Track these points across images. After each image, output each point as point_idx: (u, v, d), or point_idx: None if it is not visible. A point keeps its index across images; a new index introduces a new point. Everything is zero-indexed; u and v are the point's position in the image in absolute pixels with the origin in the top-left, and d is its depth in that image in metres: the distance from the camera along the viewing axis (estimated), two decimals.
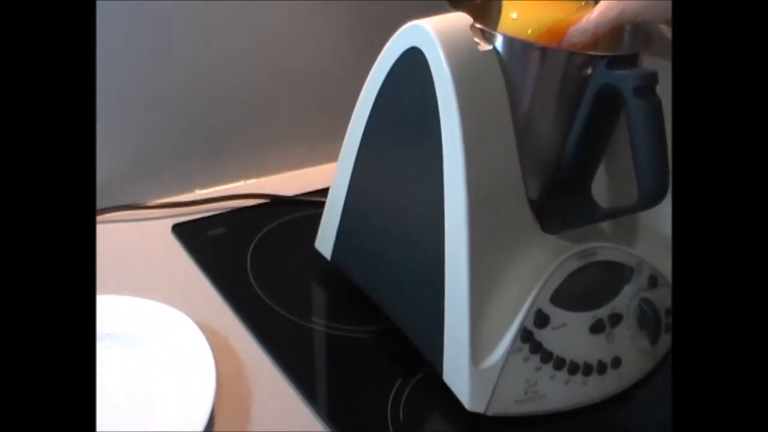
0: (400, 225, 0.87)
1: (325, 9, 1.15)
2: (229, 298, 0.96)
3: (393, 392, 0.86)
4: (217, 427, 0.80)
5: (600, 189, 0.89)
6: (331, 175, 0.94)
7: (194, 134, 1.13)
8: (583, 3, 0.83)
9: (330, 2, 1.15)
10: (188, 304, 0.91)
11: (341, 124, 0.91)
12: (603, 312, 0.85)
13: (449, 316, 0.81)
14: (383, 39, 0.83)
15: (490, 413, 0.81)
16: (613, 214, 0.88)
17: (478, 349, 0.80)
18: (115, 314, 0.88)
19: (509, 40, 0.78)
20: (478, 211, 0.78)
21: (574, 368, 0.83)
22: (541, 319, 0.81)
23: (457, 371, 0.81)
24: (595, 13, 0.79)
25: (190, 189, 1.14)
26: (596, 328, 0.84)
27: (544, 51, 0.80)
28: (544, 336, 0.81)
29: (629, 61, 0.80)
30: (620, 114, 0.82)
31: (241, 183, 1.18)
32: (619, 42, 0.86)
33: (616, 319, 0.86)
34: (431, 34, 0.76)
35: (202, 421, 0.77)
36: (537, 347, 0.81)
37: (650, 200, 0.79)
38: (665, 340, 0.90)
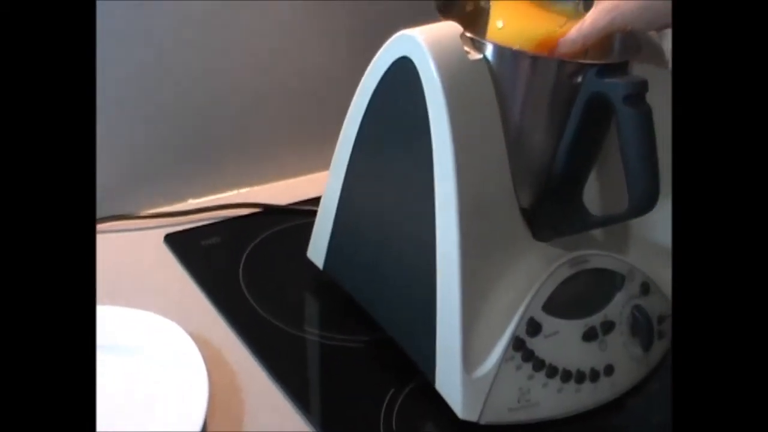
0: (392, 234, 0.87)
1: (316, 19, 1.15)
2: (222, 309, 0.96)
3: (386, 402, 0.86)
4: None
5: (591, 196, 0.90)
6: (324, 184, 0.94)
7: (187, 144, 1.13)
8: (574, 12, 0.83)
9: (321, 12, 1.15)
10: (181, 315, 0.91)
11: (333, 133, 0.91)
12: (595, 319, 0.85)
13: (441, 325, 0.80)
14: (375, 47, 0.83)
15: (483, 422, 0.81)
16: (605, 222, 0.89)
17: (470, 357, 0.80)
18: (108, 325, 0.88)
19: (499, 49, 0.78)
20: (469, 219, 0.78)
21: (566, 376, 0.83)
22: (534, 327, 0.81)
23: (450, 380, 0.81)
24: (586, 23, 0.79)
25: (183, 198, 1.14)
26: (589, 335, 0.84)
27: (534, 60, 0.80)
28: (536, 344, 0.81)
29: (619, 69, 0.80)
30: (611, 122, 0.82)
31: (234, 192, 1.18)
32: (609, 50, 0.86)
33: (608, 326, 0.86)
34: (421, 43, 0.76)
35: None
36: (529, 355, 0.81)
37: (641, 208, 0.80)
38: (658, 347, 0.90)
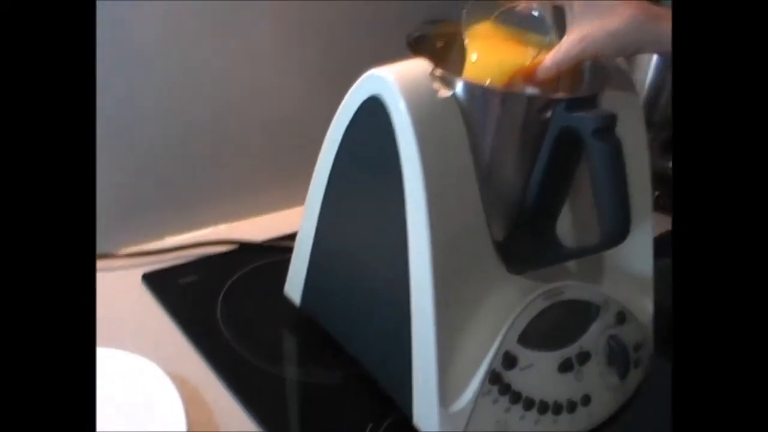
0: (367, 270, 0.87)
1: (291, 56, 1.16)
2: (200, 347, 0.96)
3: None
4: None
5: (565, 228, 0.90)
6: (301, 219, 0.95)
7: (163, 182, 1.13)
8: (546, 43, 0.84)
9: (296, 49, 1.16)
10: (159, 354, 0.91)
11: (309, 168, 0.92)
12: (571, 350, 0.86)
13: (417, 361, 0.81)
14: (350, 83, 0.84)
15: None
16: (578, 254, 0.89)
17: (446, 392, 0.80)
18: None
19: (469, 86, 0.79)
20: (442, 255, 0.78)
21: (543, 408, 0.84)
22: (509, 360, 0.81)
23: (427, 415, 0.81)
24: (560, 52, 0.81)
25: (160, 236, 1.15)
26: (565, 366, 0.85)
27: (503, 96, 0.81)
28: (512, 377, 0.82)
29: (588, 102, 0.81)
30: (582, 155, 0.83)
31: (211, 229, 1.18)
32: (579, 80, 0.88)
33: (584, 357, 0.86)
34: (390, 82, 0.77)
35: None
36: (506, 389, 0.81)
37: (613, 240, 0.80)
38: (634, 376, 0.91)
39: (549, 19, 0.85)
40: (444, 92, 0.78)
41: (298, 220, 0.95)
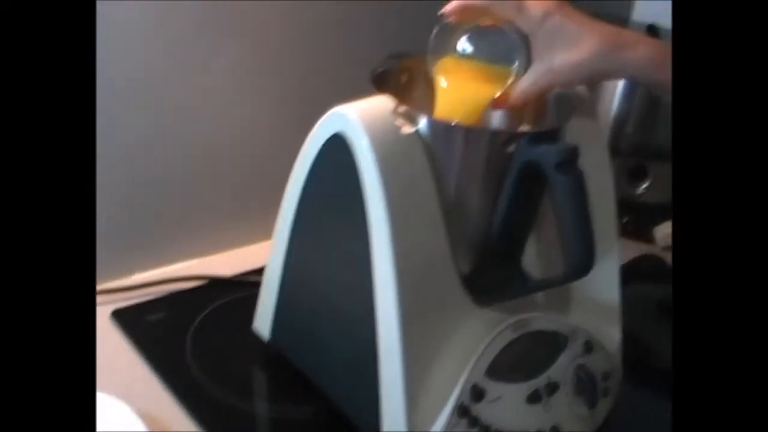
0: (334, 305, 0.88)
1: (256, 90, 1.17)
2: (170, 385, 0.96)
3: None
4: None
5: (531, 260, 0.91)
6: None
7: (131, 218, 1.13)
8: (513, 73, 0.85)
9: (261, 82, 1.16)
10: (128, 393, 0.91)
11: (279, 202, 0.92)
12: (539, 382, 0.86)
13: (385, 396, 0.81)
14: (316, 119, 0.85)
15: None
16: (544, 286, 0.90)
17: (415, 426, 0.80)
18: None
19: (432, 122, 0.80)
20: (407, 289, 0.78)
21: None
22: (477, 393, 0.82)
23: None
24: (528, 83, 0.83)
25: (129, 272, 1.14)
26: (533, 398, 0.85)
27: (466, 131, 0.82)
28: (480, 410, 0.82)
29: (550, 136, 0.82)
30: (545, 188, 0.83)
31: (180, 265, 1.18)
32: (544, 112, 0.89)
33: (552, 387, 0.87)
34: (353, 120, 0.78)
35: None
36: (474, 422, 0.82)
37: (578, 272, 0.81)
38: (603, 405, 0.91)
39: (515, 36, 0.85)
40: (407, 129, 0.79)
41: (268, 253, 0.95)
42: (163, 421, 0.91)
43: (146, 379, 0.97)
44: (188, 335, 1.03)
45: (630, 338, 0.95)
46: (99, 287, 1.11)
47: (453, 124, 0.82)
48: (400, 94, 0.84)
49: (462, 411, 0.81)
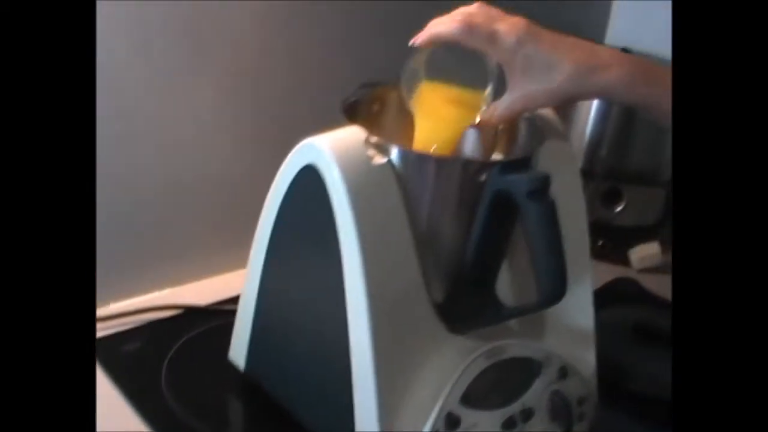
0: (308, 336, 0.88)
1: (232, 121, 1.17)
2: (145, 416, 0.95)
3: None
4: None
5: (505, 287, 0.91)
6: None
7: (105, 247, 1.12)
8: (486, 97, 0.86)
9: (236, 112, 1.17)
10: (104, 423, 0.89)
11: (253, 229, 0.92)
12: (514, 408, 0.86)
13: (360, 425, 0.81)
14: (290, 148, 0.85)
15: None
16: (518, 313, 0.90)
17: None
18: None
19: (404, 153, 0.80)
20: (380, 319, 0.79)
21: None
22: (452, 421, 0.82)
23: None
24: (502, 108, 0.85)
25: (104, 302, 1.14)
26: (508, 424, 0.85)
27: (438, 161, 0.82)
28: None
29: (522, 164, 0.82)
30: (517, 215, 0.84)
31: (155, 294, 1.17)
32: (515, 140, 0.89)
33: (527, 414, 0.87)
34: (324, 152, 0.78)
35: None
36: None
37: (550, 300, 0.82)
38: (578, 430, 0.91)
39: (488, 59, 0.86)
40: (378, 159, 0.79)
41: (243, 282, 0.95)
42: None
43: (121, 411, 0.96)
44: (164, 365, 1.03)
45: (605, 362, 0.95)
46: None
47: (424, 153, 0.82)
48: (373, 123, 0.84)
49: None
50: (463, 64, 0.86)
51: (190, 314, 1.14)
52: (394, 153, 0.80)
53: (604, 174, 1.39)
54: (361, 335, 0.79)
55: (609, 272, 1.32)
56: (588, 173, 1.38)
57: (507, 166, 0.81)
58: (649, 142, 1.41)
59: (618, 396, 1.00)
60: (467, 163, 0.83)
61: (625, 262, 1.39)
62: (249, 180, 1.15)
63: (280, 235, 0.88)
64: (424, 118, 0.87)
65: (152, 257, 1.17)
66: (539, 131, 0.88)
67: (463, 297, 0.86)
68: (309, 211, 0.83)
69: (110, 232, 1.12)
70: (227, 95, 1.16)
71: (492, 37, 0.83)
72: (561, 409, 0.89)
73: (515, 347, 0.87)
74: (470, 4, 0.86)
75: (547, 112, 0.91)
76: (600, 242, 1.37)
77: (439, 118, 0.88)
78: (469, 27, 0.83)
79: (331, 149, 0.78)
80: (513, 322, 0.92)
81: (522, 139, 0.90)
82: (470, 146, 0.93)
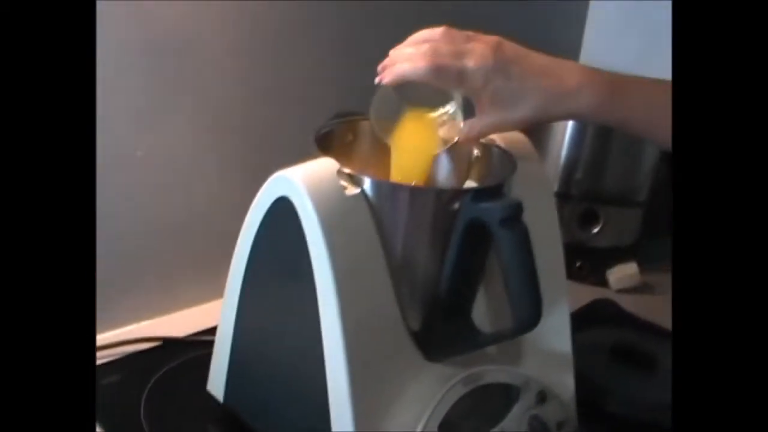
0: (286, 366, 0.88)
1: (208, 152, 1.17)
2: None
3: None
4: None
5: (481, 314, 0.91)
6: None
7: None
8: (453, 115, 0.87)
9: (211, 143, 1.17)
10: None
11: (229, 259, 0.92)
12: None
13: None
14: (265, 179, 0.85)
15: None
16: (494, 339, 0.90)
17: None
18: None
19: (376, 183, 0.81)
20: (356, 348, 0.79)
21: None
22: None
23: None
24: (478, 127, 0.87)
25: None
26: None
27: (411, 190, 0.83)
28: None
29: (494, 192, 0.83)
30: (491, 243, 0.84)
31: (133, 326, 1.17)
32: (488, 168, 0.90)
33: None
34: (297, 184, 0.79)
35: None
36: None
37: (525, 326, 0.82)
38: None
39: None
40: (351, 190, 0.80)
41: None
42: None
43: None
44: (143, 398, 1.02)
45: (584, 384, 0.96)
46: None
47: (397, 183, 0.83)
48: (347, 153, 0.85)
49: None
50: (432, 89, 0.87)
51: (169, 346, 1.14)
52: (367, 183, 0.80)
53: (581, 196, 1.40)
54: (337, 366, 0.79)
55: (587, 293, 1.33)
56: (564, 195, 1.38)
57: (479, 194, 0.81)
58: (625, 163, 1.42)
59: (597, 418, 1.01)
60: (440, 192, 0.84)
61: (603, 283, 1.40)
62: (225, 211, 1.15)
63: (256, 266, 0.88)
64: (398, 148, 0.88)
65: (129, 290, 1.17)
66: (512, 157, 0.89)
67: (440, 325, 0.86)
68: (283, 243, 0.83)
69: None
70: (204, 127, 1.16)
71: (460, 77, 0.83)
72: None
73: (493, 373, 0.87)
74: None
75: (520, 137, 0.92)
76: (578, 264, 1.37)
77: (413, 147, 0.89)
78: (437, 68, 0.82)
79: (303, 181, 0.78)
80: (490, 348, 0.92)
81: (495, 166, 0.90)
82: (444, 172, 0.93)
